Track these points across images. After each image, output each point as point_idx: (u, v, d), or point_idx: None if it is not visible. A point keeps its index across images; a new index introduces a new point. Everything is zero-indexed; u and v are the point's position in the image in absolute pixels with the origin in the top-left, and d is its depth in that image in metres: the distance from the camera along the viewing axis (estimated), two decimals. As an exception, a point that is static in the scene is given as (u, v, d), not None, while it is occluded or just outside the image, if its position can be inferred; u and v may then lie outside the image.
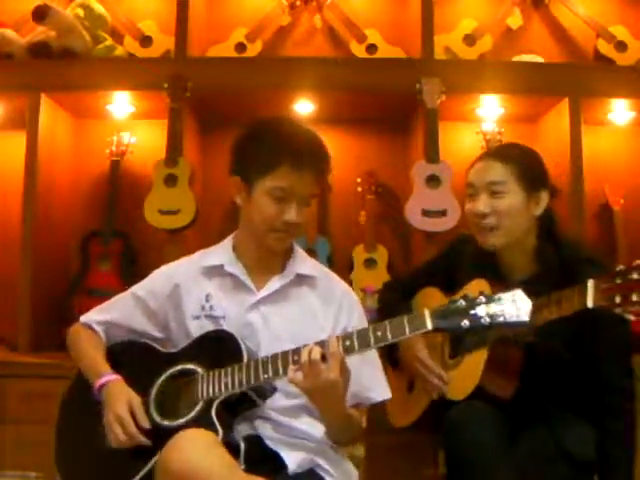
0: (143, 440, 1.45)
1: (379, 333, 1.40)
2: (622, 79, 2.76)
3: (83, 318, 1.71)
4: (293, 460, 1.47)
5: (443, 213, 2.57)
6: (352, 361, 1.45)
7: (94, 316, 1.70)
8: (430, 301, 1.87)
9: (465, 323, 1.35)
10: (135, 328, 1.66)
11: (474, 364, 1.65)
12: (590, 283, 1.47)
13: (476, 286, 1.68)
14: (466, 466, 1.56)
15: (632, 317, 1.41)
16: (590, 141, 2.77)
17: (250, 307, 1.60)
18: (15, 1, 3.01)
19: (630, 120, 2.96)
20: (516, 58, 2.95)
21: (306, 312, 1.61)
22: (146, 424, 1.47)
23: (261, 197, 1.56)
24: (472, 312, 1.35)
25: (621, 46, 2.92)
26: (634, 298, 1.39)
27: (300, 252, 1.70)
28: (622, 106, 2.85)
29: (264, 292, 1.61)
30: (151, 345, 1.64)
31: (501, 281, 1.72)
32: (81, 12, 2.84)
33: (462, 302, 1.37)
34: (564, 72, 2.81)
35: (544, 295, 1.56)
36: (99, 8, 2.90)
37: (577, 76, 2.76)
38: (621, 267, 1.43)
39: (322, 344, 1.41)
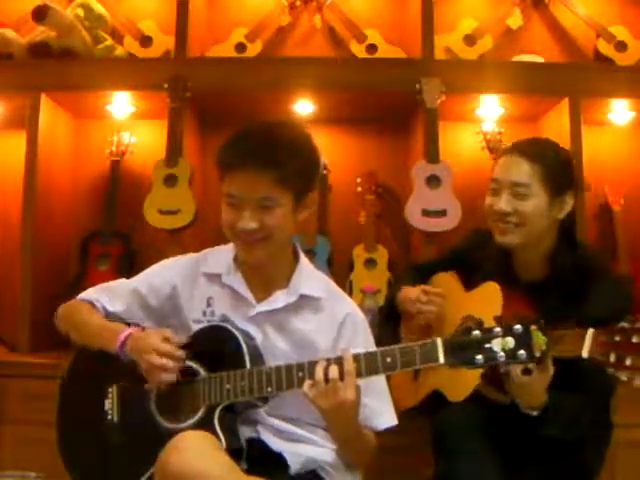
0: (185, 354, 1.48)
1: (389, 359, 1.37)
2: (622, 79, 2.75)
3: (83, 295, 1.67)
4: (295, 460, 1.47)
5: (443, 213, 2.57)
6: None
7: (94, 295, 1.67)
8: (445, 288, 1.85)
9: (479, 359, 1.31)
10: (135, 321, 1.64)
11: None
12: (589, 333, 1.39)
13: (487, 292, 1.67)
14: (450, 471, 1.57)
15: (624, 378, 1.33)
16: (590, 141, 2.76)
17: (249, 319, 1.56)
18: (15, 1, 3.01)
19: (630, 120, 2.96)
20: (516, 58, 2.94)
21: (305, 341, 1.56)
22: (183, 340, 1.49)
23: (222, 204, 1.51)
24: (487, 346, 1.31)
25: (621, 46, 2.91)
26: (627, 362, 1.32)
27: (306, 266, 1.63)
28: (622, 106, 2.85)
29: (265, 306, 1.57)
30: None
31: (512, 282, 1.70)
32: (81, 12, 2.84)
33: (478, 333, 1.33)
34: (564, 72, 2.80)
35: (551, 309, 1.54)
36: (99, 8, 2.90)
37: (577, 76, 2.75)
38: (624, 324, 1.34)
39: (337, 361, 1.38)
